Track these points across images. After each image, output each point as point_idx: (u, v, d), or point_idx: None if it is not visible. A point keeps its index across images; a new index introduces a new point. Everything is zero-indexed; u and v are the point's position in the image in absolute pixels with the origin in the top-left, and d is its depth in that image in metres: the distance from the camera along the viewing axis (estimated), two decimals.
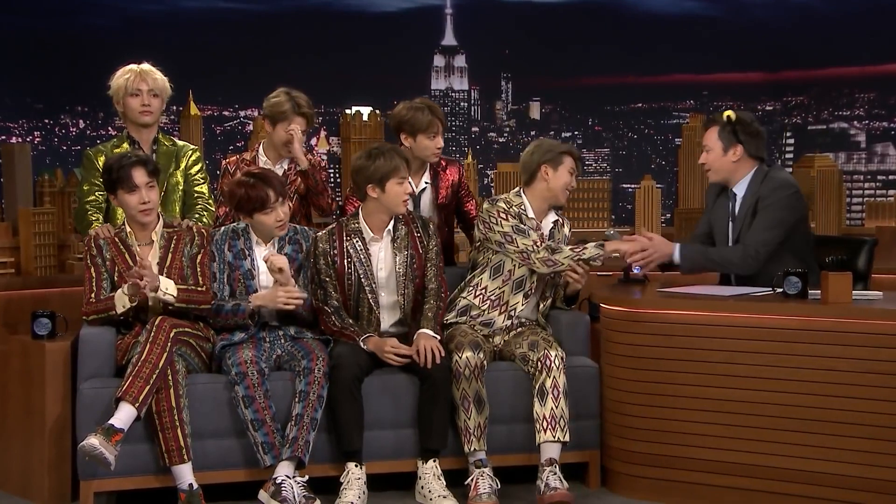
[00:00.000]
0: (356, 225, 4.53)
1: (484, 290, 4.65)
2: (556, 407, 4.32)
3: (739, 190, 4.70)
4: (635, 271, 4.78)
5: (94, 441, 3.95)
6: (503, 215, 4.59)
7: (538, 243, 4.57)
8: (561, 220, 4.77)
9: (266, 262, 4.36)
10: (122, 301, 4.32)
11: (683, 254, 4.63)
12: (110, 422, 4.01)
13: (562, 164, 4.64)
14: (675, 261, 4.65)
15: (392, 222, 4.53)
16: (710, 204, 4.85)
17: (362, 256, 4.50)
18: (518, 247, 4.56)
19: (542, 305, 4.72)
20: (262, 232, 4.48)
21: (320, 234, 4.54)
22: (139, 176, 4.38)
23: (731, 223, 4.73)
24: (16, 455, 4.48)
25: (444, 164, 5.06)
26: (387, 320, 4.57)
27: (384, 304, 4.54)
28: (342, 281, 4.50)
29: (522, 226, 4.59)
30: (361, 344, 4.42)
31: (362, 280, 4.49)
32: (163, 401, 4.12)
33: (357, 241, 4.50)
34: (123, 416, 4.03)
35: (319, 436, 4.27)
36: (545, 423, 4.30)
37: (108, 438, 3.96)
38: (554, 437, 4.29)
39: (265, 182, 4.42)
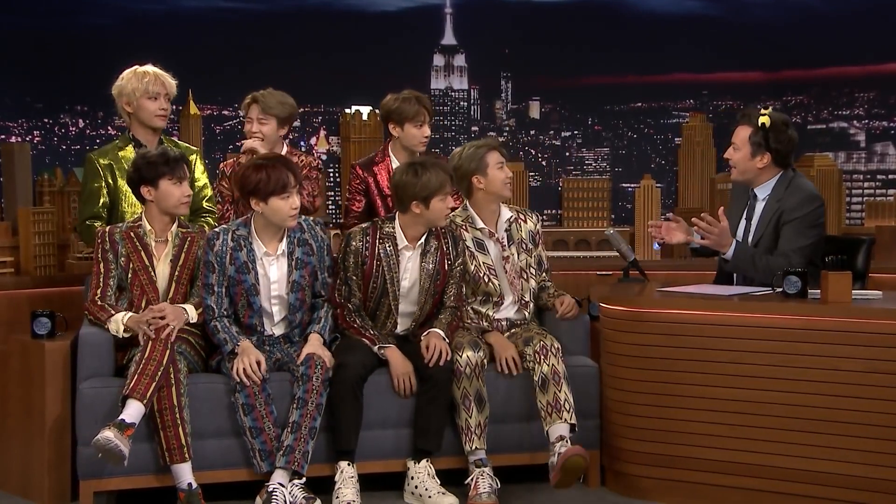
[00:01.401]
0: (391, 230, 4.49)
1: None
2: (559, 391, 4.31)
3: (761, 192, 4.65)
4: (655, 247, 4.76)
5: (108, 434, 3.93)
6: None
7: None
8: (521, 216, 4.76)
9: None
10: (117, 325, 4.29)
11: (737, 251, 4.55)
12: (121, 417, 4.00)
13: (488, 166, 4.59)
14: (727, 256, 4.59)
15: (426, 234, 4.53)
16: (732, 205, 4.82)
17: (392, 262, 4.47)
18: None
19: (526, 313, 4.70)
20: (272, 224, 4.35)
21: (353, 230, 4.50)
22: (185, 168, 4.41)
23: (745, 221, 4.70)
24: (16, 455, 4.47)
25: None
26: (401, 326, 4.56)
27: (402, 312, 4.53)
28: (367, 282, 4.48)
29: None
30: (377, 350, 4.42)
31: (387, 285, 4.47)
32: (164, 399, 4.11)
33: (389, 246, 4.47)
34: (133, 411, 4.02)
35: (317, 436, 4.27)
36: (549, 409, 4.29)
37: (122, 432, 3.96)
38: (560, 419, 4.27)
39: (286, 165, 4.34)
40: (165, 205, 4.39)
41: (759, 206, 4.65)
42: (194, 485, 4.10)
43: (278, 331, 4.44)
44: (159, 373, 4.07)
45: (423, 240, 4.48)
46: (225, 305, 4.37)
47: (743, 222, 4.70)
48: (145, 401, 4.03)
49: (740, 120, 4.67)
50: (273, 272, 4.39)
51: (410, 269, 4.49)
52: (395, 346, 4.42)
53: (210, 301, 4.36)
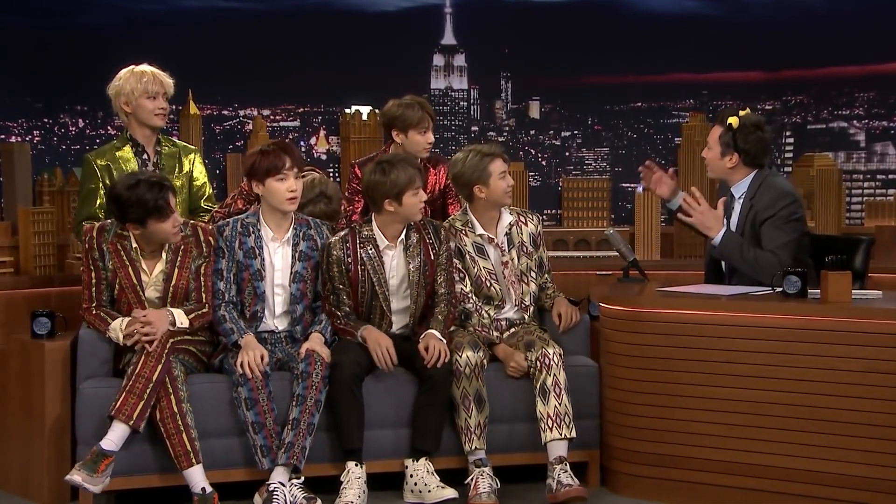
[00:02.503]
0: (369, 232, 4.50)
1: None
2: (560, 404, 4.33)
3: (737, 191, 4.72)
4: (639, 189, 4.80)
5: (76, 478, 3.96)
6: None
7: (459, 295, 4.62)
8: (522, 218, 4.76)
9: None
10: (116, 333, 4.26)
11: (725, 238, 4.59)
12: (101, 444, 4.00)
13: (490, 176, 4.59)
14: (715, 241, 4.60)
15: (405, 230, 4.53)
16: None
17: (376, 264, 4.48)
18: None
19: (526, 315, 4.70)
20: (276, 210, 4.40)
21: (333, 240, 4.50)
22: (172, 200, 4.25)
23: (726, 220, 4.73)
24: (16, 455, 4.48)
25: (431, 161, 5.10)
26: (396, 325, 4.57)
27: (395, 309, 4.54)
28: (355, 288, 4.48)
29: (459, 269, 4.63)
30: (359, 338, 4.42)
31: (375, 287, 4.47)
32: (164, 408, 4.09)
33: (370, 249, 4.48)
34: (115, 437, 4.02)
35: (319, 435, 4.27)
36: (550, 422, 4.31)
37: (95, 468, 3.96)
38: (560, 435, 4.29)
39: (284, 149, 4.39)
40: (155, 238, 4.30)
41: (737, 206, 4.70)
42: (208, 489, 4.08)
43: (280, 325, 4.45)
44: (147, 391, 4.04)
45: (402, 236, 4.49)
46: (233, 292, 4.41)
47: (724, 220, 4.73)
48: (132, 422, 4.01)
49: (715, 120, 4.77)
50: (278, 260, 4.43)
51: (396, 266, 4.50)
52: (372, 326, 4.41)
53: (220, 285, 4.37)
